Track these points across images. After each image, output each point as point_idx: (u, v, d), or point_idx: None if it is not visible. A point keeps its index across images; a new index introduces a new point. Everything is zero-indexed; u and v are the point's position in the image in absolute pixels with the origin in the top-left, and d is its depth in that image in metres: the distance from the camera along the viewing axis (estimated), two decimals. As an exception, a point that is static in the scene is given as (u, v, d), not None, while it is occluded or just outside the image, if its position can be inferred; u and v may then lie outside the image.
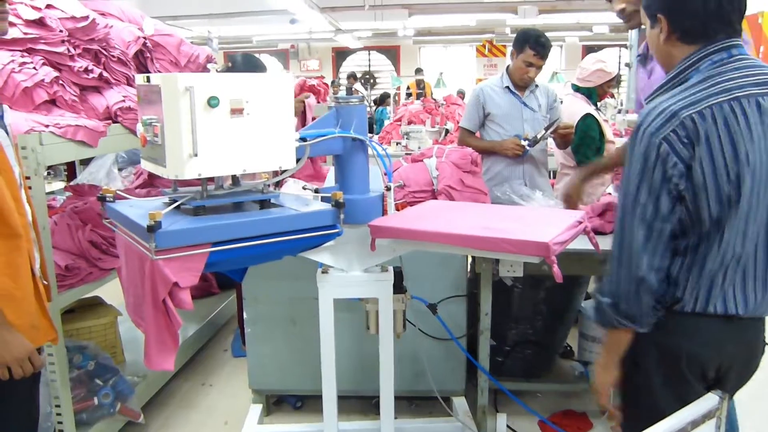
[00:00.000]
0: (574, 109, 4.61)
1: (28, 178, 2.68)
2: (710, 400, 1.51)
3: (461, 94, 13.43)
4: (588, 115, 4.49)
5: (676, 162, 1.83)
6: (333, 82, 18.11)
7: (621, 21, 3.28)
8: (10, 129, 2.31)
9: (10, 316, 2.14)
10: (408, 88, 16.08)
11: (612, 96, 8.56)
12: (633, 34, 4.89)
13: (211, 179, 2.40)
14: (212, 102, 2.16)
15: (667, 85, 2.00)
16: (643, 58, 3.19)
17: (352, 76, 17.07)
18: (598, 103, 4.84)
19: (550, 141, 4.59)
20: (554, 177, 5.07)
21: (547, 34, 4.36)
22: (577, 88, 4.75)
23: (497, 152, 4.38)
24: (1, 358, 2.15)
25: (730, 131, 1.82)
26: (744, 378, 2.16)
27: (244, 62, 4.13)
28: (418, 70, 16.60)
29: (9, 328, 2.14)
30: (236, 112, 2.22)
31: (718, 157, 1.82)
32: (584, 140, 4.45)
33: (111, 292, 3.86)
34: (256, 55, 4.45)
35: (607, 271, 2.03)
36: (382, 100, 14.56)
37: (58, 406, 3.09)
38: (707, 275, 1.94)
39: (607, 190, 4.46)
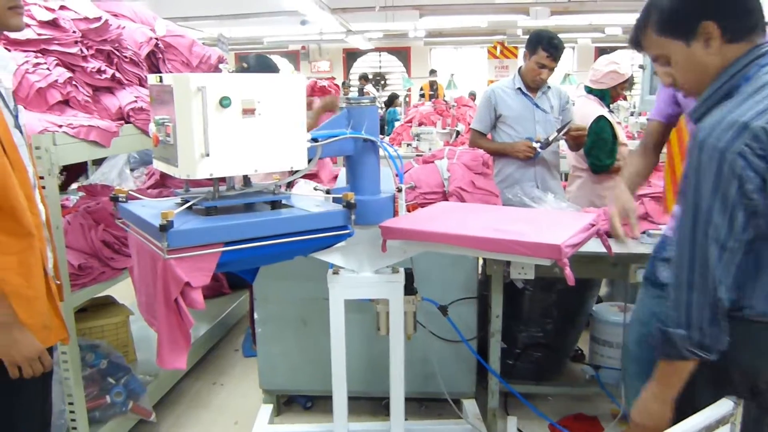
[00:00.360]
0: (586, 111, 4.59)
1: (41, 177, 2.69)
2: (724, 405, 1.49)
3: (472, 96, 13.43)
4: (601, 117, 4.47)
5: (752, 176, 1.71)
6: (344, 83, 18.13)
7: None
8: (24, 129, 2.32)
9: (21, 316, 2.15)
10: (421, 89, 16.09)
11: (625, 98, 8.54)
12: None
13: (222, 180, 2.41)
14: (224, 102, 2.16)
15: (714, 95, 1.89)
16: None
17: (363, 77, 17.10)
18: (611, 105, 4.81)
19: (563, 143, 4.59)
20: (566, 179, 5.06)
21: (560, 36, 4.35)
22: (590, 90, 4.73)
23: (508, 154, 4.38)
24: (12, 358, 2.16)
25: None
26: None
27: (258, 63, 4.14)
28: (432, 72, 16.60)
29: (20, 328, 2.15)
30: (248, 112, 2.23)
31: None
32: (597, 142, 4.43)
33: (123, 291, 3.88)
34: (269, 56, 4.46)
35: (671, 299, 1.86)
36: (390, 101, 14.57)
37: (71, 404, 3.11)
38: (762, 280, 1.85)
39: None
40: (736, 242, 1.75)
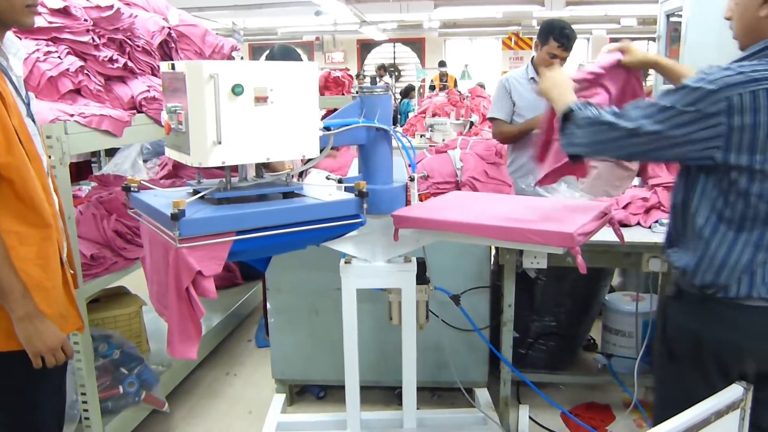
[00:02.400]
0: None
1: (53, 167, 2.70)
2: (734, 390, 1.49)
3: (482, 88, 13.36)
4: None
5: (722, 122, 1.79)
6: (358, 75, 18.10)
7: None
8: (36, 118, 2.32)
9: (40, 305, 2.16)
10: (431, 81, 16.05)
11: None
12: (662, 25, 4.86)
13: (235, 170, 2.41)
14: (236, 90, 2.16)
15: (747, 57, 1.94)
16: None
17: (381, 68, 17.07)
18: None
19: None
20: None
21: (574, 26, 4.30)
22: None
23: (535, 127, 4.34)
24: (35, 348, 2.16)
25: None
26: None
27: (281, 53, 4.17)
28: (442, 63, 16.56)
29: (42, 318, 2.15)
30: (260, 100, 2.22)
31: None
32: None
33: (136, 281, 3.88)
34: (293, 47, 4.48)
35: None
36: (406, 93, 14.53)
37: (83, 394, 3.11)
38: (752, 260, 1.90)
39: (633, 183, 4.44)
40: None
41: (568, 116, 2.07)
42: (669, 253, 2.13)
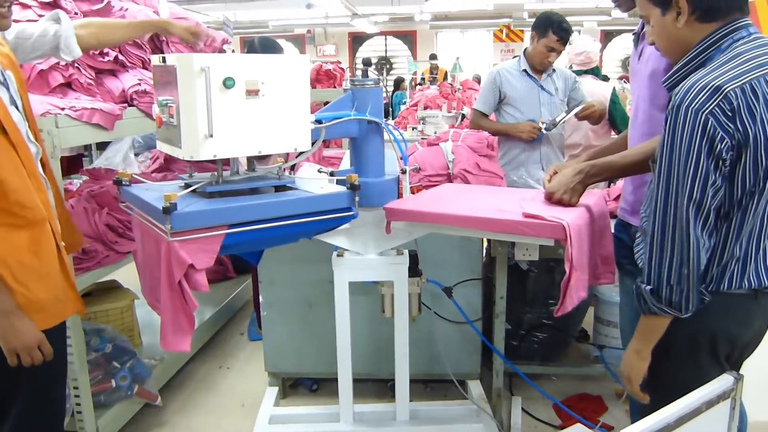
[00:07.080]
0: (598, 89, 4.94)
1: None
2: (725, 380, 1.50)
3: (477, 79, 13.36)
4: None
5: (723, 136, 1.80)
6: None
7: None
8: (21, 104, 2.31)
9: (37, 292, 2.16)
10: (422, 73, 16.03)
11: (627, 80, 8.56)
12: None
13: (226, 164, 2.40)
14: (228, 83, 2.15)
15: (689, 65, 1.97)
16: (638, 38, 2.78)
17: (366, 63, 17.07)
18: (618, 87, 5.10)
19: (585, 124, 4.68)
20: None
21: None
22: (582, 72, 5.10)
23: (512, 135, 4.36)
24: (11, 345, 2.14)
25: None
26: (752, 351, 2.22)
27: (261, 44, 4.15)
28: (432, 56, 16.56)
29: (20, 315, 2.13)
30: (252, 93, 2.22)
31: (759, 130, 1.81)
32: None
33: (128, 275, 3.87)
34: (273, 38, 4.46)
35: (645, 256, 1.96)
36: (397, 85, 14.50)
37: (76, 388, 3.11)
38: (738, 251, 1.95)
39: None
40: (711, 200, 1.84)
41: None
42: None
